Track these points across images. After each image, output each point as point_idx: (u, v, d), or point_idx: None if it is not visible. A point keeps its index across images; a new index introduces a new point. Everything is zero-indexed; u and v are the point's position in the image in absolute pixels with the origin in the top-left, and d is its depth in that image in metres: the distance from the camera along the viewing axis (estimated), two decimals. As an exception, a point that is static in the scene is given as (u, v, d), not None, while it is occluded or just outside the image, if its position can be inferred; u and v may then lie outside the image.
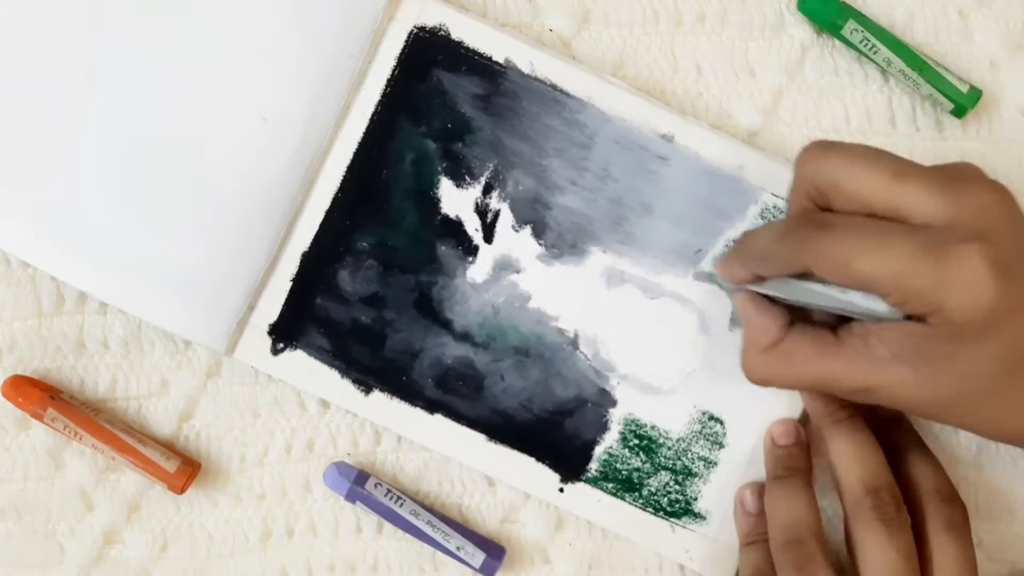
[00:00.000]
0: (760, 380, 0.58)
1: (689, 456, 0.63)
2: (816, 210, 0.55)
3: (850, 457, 0.59)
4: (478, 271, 0.62)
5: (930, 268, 0.49)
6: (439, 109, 0.62)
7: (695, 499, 0.63)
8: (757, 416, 0.62)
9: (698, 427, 0.62)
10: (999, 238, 0.50)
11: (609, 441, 0.62)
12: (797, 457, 0.61)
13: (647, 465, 0.63)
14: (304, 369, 0.62)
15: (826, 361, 0.55)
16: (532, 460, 0.63)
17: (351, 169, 0.62)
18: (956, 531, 0.58)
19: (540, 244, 0.62)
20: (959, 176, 0.52)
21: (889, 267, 0.50)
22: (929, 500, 0.59)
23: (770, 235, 0.56)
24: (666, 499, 0.63)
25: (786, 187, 0.61)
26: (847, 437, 0.59)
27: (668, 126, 0.62)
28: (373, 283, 0.62)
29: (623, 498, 0.63)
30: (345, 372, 0.62)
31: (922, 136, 0.65)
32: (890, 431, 0.62)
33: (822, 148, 0.55)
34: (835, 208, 0.54)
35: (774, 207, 0.62)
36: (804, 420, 0.62)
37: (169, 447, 0.63)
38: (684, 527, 0.63)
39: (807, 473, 0.61)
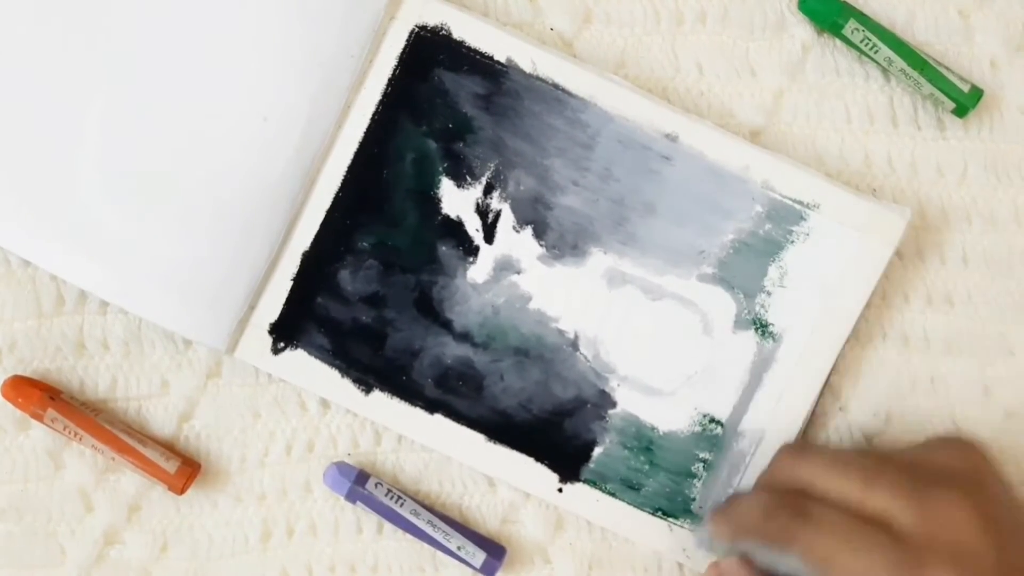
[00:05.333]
0: None
1: (688, 457, 0.62)
2: (799, 493, 0.56)
3: None
4: (479, 271, 0.62)
5: None
6: (440, 109, 0.62)
7: (693, 500, 0.63)
8: (758, 420, 0.62)
9: (698, 429, 0.62)
10: (971, 554, 0.51)
11: (608, 442, 0.62)
12: None
13: (646, 466, 0.62)
14: (305, 368, 0.62)
15: None
16: (531, 460, 0.63)
17: (352, 169, 0.62)
18: None
19: (541, 244, 0.62)
20: (930, 483, 0.53)
21: None
22: None
23: (756, 509, 0.57)
24: (664, 499, 0.63)
25: (791, 186, 0.62)
26: None
27: (672, 125, 0.62)
28: (373, 283, 0.62)
29: (621, 498, 0.63)
30: (345, 371, 0.62)
31: (924, 136, 0.65)
32: None
33: (797, 453, 0.58)
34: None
35: (779, 206, 0.62)
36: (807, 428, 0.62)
37: (169, 448, 0.63)
38: (682, 527, 0.63)
39: None
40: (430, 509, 0.63)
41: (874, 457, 0.56)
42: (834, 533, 0.53)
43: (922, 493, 0.53)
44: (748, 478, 0.62)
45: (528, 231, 0.62)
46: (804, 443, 0.59)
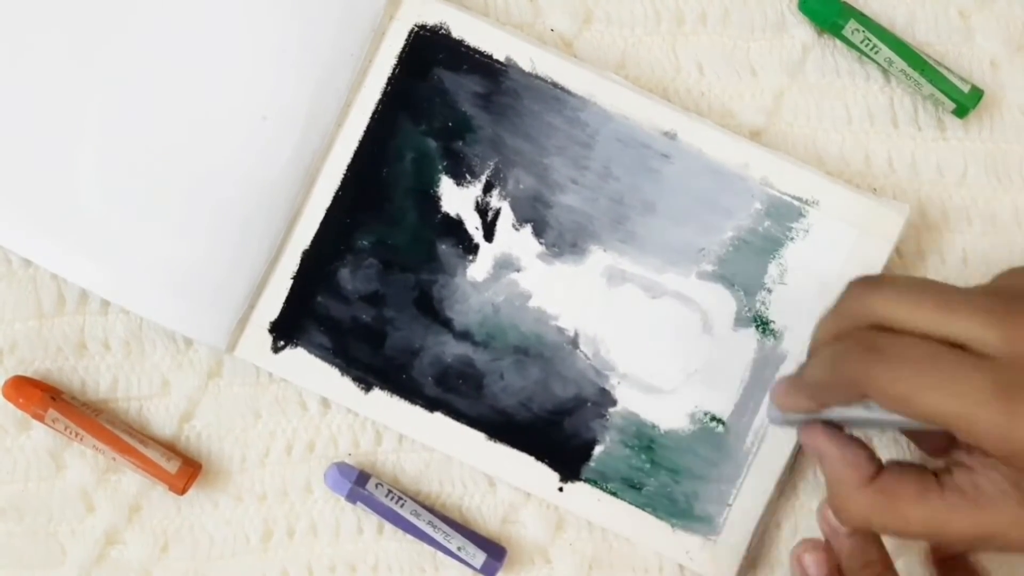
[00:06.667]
0: (861, 521, 0.52)
1: (689, 456, 0.62)
2: (867, 329, 0.51)
3: None
4: (478, 270, 0.62)
5: (1003, 415, 0.46)
6: (440, 108, 0.62)
7: (695, 499, 0.62)
8: (759, 417, 0.62)
9: (699, 427, 0.62)
10: None
11: (609, 440, 0.62)
12: None
13: (647, 465, 0.62)
14: (305, 367, 0.62)
15: (932, 504, 0.50)
16: (531, 459, 0.62)
17: (352, 168, 0.62)
18: None
19: (540, 243, 0.62)
20: (1012, 300, 0.48)
21: (957, 408, 0.46)
22: None
23: (824, 362, 0.53)
24: (666, 499, 0.62)
25: (790, 183, 0.62)
26: None
27: (671, 123, 0.62)
28: (373, 281, 0.62)
29: (623, 498, 0.62)
30: (345, 370, 0.62)
31: (924, 136, 0.65)
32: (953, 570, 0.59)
33: (865, 288, 0.52)
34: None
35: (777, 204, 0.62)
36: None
37: (170, 448, 0.63)
38: (684, 527, 0.62)
39: None
40: (430, 509, 0.63)
41: (952, 286, 0.51)
42: (912, 365, 0.47)
43: (1008, 311, 0.47)
44: (751, 476, 0.62)
45: (528, 229, 0.62)
46: (875, 275, 0.53)
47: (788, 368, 0.62)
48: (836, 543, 0.57)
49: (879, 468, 0.53)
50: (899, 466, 0.53)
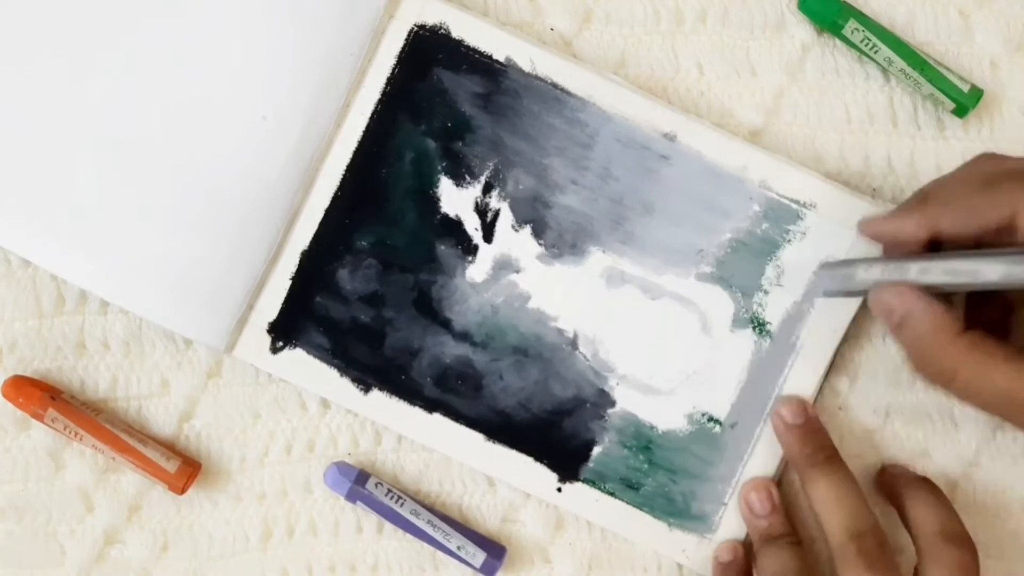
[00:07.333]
0: (948, 375, 0.53)
1: (687, 456, 0.62)
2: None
3: (831, 502, 0.58)
4: (477, 270, 0.62)
5: None
6: (439, 108, 0.62)
7: (692, 499, 0.62)
8: (756, 418, 0.62)
9: (697, 427, 0.62)
10: None
11: (607, 441, 0.62)
12: (776, 525, 0.61)
13: (645, 465, 0.62)
14: (303, 367, 0.62)
15: (1017, 368, 0.51)
16: (530, 460, 0.62)
17: (351, 168, 0.62)
18: (963, 573, 0.55)
19: (540, 244, 0.62)
20: None
21: None
22: (934, 542, 0.57)
23: (967, 186, 0.54)
24: (663, 499, 0.62)
25: (788, 185, 0.62)
26: (826, 481, 0.59)
27: (670, 125, 0.62)
28: (372, 282, 0.62)
29: (621, 498, 0.63)
30: (344, 371, 0.62)
31: (923, 135, 0.64)
32: (895, 473, 0.62)
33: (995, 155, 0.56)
34: None
35: (776, 205, 0.62)
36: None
37: (169, 447, 0.63)
38: (680, 526, 0.63)
39: (791, 533, 0.61)
40: (430, 509, 0.63)
41: None
42: None
43: None
44: (746, 475, 0.62)
45: (527, 230, 0.62)
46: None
47: (785, 368, 0.62)
48: (787, 436, 0.60)
49: (965, 328, 0.53)
50: (983, 332, 0.53)
